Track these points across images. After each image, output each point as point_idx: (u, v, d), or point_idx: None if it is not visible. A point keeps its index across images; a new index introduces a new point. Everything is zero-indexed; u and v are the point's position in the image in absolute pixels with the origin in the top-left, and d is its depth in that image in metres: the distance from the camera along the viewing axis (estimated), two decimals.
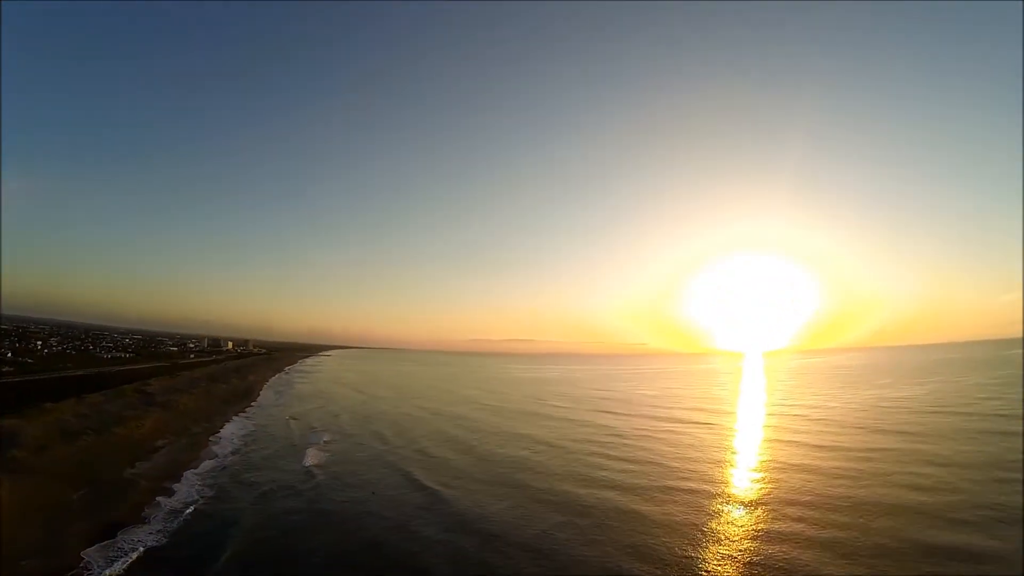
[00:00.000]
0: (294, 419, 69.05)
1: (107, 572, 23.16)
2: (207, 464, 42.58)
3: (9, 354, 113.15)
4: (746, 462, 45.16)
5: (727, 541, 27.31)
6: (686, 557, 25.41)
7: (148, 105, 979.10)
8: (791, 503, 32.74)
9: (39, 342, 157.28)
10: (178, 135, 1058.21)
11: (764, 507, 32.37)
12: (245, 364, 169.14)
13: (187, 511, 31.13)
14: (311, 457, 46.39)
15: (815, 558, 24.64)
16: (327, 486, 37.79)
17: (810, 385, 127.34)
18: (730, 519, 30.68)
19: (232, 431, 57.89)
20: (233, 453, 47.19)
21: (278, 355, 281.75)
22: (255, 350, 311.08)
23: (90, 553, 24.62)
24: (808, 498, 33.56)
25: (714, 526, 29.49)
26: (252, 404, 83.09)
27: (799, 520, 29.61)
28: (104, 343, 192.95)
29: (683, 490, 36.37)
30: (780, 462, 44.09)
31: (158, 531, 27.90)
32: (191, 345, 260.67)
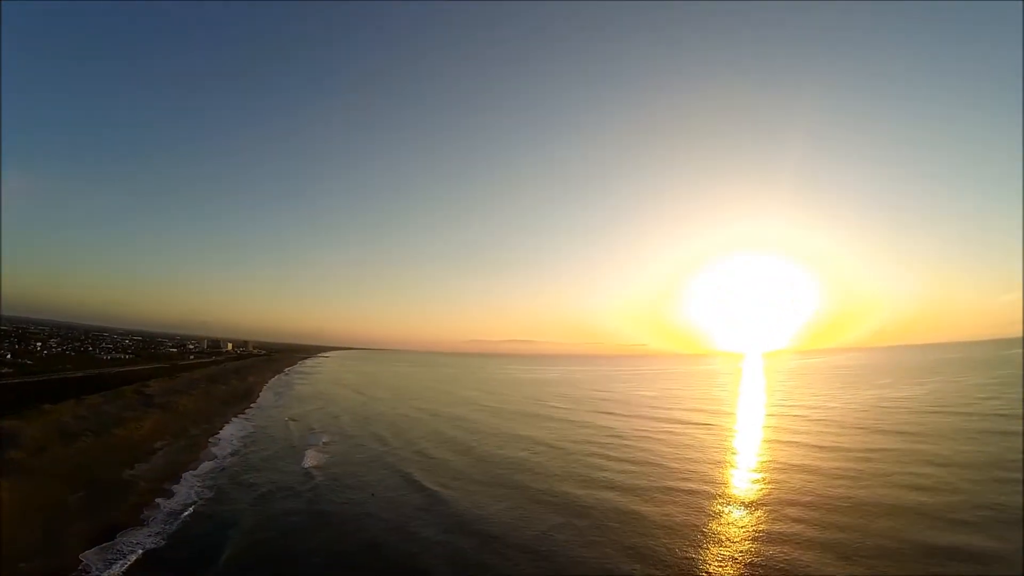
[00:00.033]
0: (293, 420, 68.91)
1: (106, 574, 23.10)
2: (206, 465, 42.51)
3: (8, 355, 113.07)
4: (746, 463, 45.09)
5: (727, 542, 27.26)
6: (686, 558, 25.36)
7: (148, 105, 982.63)
8: (791, 504, 32.69)
9: (38, 343, 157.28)
10: (178, 135, 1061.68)
11: (764, 508, 32.31)
12: (245, 365, 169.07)
13: (186, 513, 31.07)
14: (310, 458, 46.33)
15: (815, 559, 24.60)
16: (326, 487, 37.72)
17: (810, 385, 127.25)
18: (730, 520, 30.63)
19: (231, 432, 57.78)
20: (232, 454, 47.12)
21: (278, 356, 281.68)
22: (255, 351, 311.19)
23: (89, 555, 24.56)
24: (808, 499, 33.51)
25: (714, 527, 29.43)
26: (251, 405, 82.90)
27: (799, 521, 29.56)
28: (103, 344, 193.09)
29: (683, 491, 36.31)
30: (780, 462, 44.05)
31: (157, 533, 27.82)
32: (191, 346, 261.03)
